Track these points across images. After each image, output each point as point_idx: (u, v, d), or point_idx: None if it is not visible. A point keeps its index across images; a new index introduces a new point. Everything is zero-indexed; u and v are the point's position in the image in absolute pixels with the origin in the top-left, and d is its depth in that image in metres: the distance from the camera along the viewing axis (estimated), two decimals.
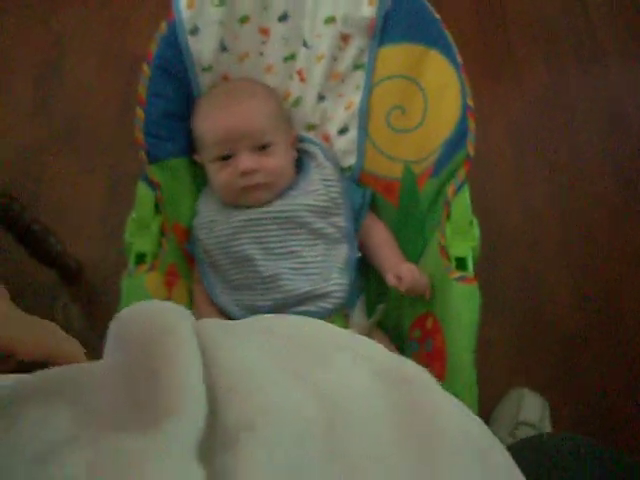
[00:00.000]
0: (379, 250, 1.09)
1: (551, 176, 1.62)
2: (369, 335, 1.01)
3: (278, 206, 1.06)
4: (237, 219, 1.06)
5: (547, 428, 1.29)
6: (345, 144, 1.14)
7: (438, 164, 1.02)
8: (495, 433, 0.33)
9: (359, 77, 1.11)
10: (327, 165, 1.10)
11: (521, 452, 0.65)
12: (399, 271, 0.96)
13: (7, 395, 0.29)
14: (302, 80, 1.14)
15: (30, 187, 1.61)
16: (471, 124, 0.99)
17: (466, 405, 0.80)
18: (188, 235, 1.11)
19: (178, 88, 1.08)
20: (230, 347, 0.31)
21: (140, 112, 1.05)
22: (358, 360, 0.35)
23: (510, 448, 0.31)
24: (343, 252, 1.06)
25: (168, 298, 1.00)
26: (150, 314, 0.29)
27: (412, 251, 1.07)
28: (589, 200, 1.59)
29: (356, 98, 1.11)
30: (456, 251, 0.95)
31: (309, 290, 1.01)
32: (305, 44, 1.11)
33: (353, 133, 1.13)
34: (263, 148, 1.05)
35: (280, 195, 1.07)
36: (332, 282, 1.02)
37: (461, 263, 0.94)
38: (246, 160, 1.04)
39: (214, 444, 0.25)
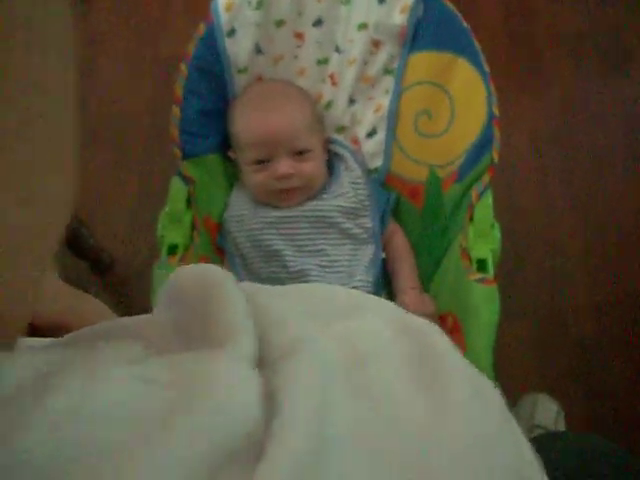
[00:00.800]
0: (393, 266, 1.13)
1: (573, 183, 1.63)
2: None
3: (310, 206, 1.09)
4: (269, 215, 1.09)
5: None
6: (373, 146, 1.16)
7: (462, 169, 1.05)
8: None
9: (389, 81, 1.14)
10: (355, 168, 1.14)
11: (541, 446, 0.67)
12: (405, 306, 0.99)
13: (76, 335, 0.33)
14: (334, 84, 1.17)
15: None
16: (496, 132, 1.02)
17: None
18: (219, 229, 1.15)
19: (214, 88, 1.12)
20: (266, 298, 0.35)
21: (176, 110, 1.09)
22: (372, 313, 0.40)
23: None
24: (369, 252, 1.09)
25: None
26: (199, 272, 0.33)
27: (434, 253, 1.10)
28: (612, 205, 1.60)
29: (385, 102, 1.14)
30: (477, 253, 0.97)
31: None
32: (337, 49, 1.15)
33: (381, 136, 1.16)
34: (300, 153, 1.08)
35: (312, 196, 1.11)
36: (357, 279, 1.05)
37: (482, 265, 0.97)
38: (285, 165, 1.07)
39: (263, 364, 0.29)
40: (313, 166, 1.10)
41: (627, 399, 1.37)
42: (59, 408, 0.21)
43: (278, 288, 0.42)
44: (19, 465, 0.19)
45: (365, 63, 1.14)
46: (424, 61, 1.10)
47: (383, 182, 1.17)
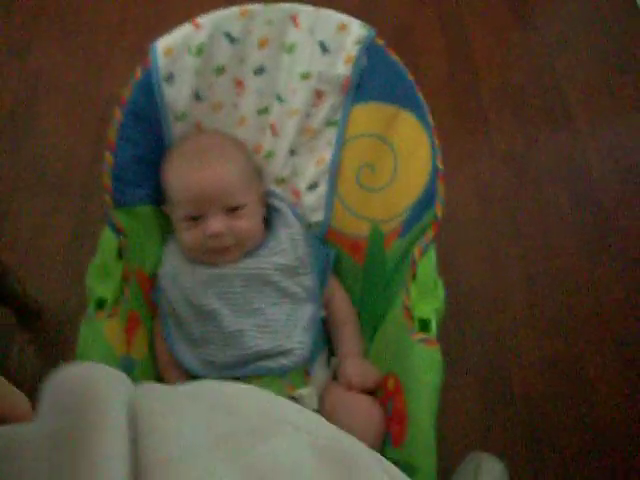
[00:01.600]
0: (334, 329, 1.09)
1: (519, 237, 1.63)
2: (325, 388, 1.01)
3: (245, 264, 1.04)
4: (203, 273, 1.04)
5: None
6: (314, 200, 1.13)
7: (406, 225, 1.03)
8: None
9: (331, 133, 1.12)
10: (294, 223, 1.10)
11: None
12: (347, 377, 0.99)
13: None
14: (274, 134, 1.14)
15: None
16: (440, 187, 1.00)
17: (425, 469, 0.80)
18: (152, 283, 1.10)
19: (149, 134, 1.08)
20: (166, 424, 0.31)
21: (109, 156, 1.04)
22: (298, 434, 0.35)
23: None
24: (308, 311, 1.05)
25: (128, 345, 0.98)
26: (82, 382, 0.30)
27: (377, 311, 1.07)
28: (557, 262, 1.60)
29: (327, 154, 1.12)
30: (420, 313, 0.94)
31: (271, 347, 0.99)
32: (279, 98, 1.12)
33: (322, 189, 1.13)
34: (233, 210, 1.04)
35: (248, 253, 1.06)
36: (295, 340, 1.01)
37: (424, 325, 0.93)
38: (215, 223, 1.02)
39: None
40: (248, 223, 1.05)
41: (575, 456, 1.35)
42: None
43: (186, 390, 0.38)
44: None
45: (307, 115, 1.11)
46: (367, 113, 1.08)
47: (323, 237, 1.14)
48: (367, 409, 0.95)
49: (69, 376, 0.31)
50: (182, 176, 1.04)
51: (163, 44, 1.06)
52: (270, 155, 1.15)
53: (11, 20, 2.03)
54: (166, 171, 1.07)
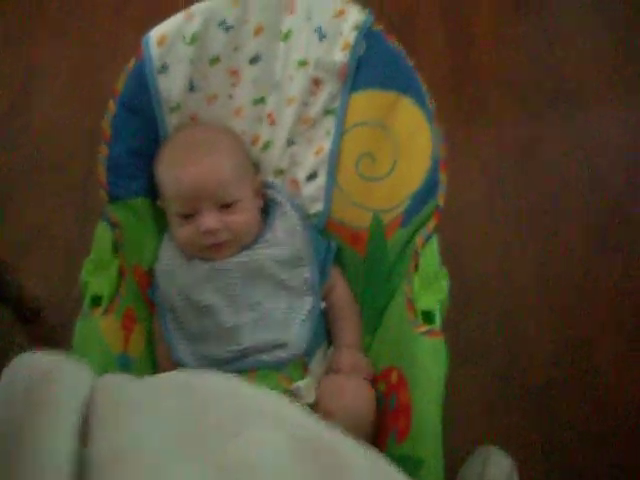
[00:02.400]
0: (333, 321, 1.08)
1: (526, 224, 1.61)
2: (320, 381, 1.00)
3: (243, 257, 1.02)
4: (200, 268, 1.02)
5: None
6: (313, 190, 1.11)
7: (407, 214, 1.01)
8: None
9: (330, 122, 1.09)
10: (292, 215, 1.07)
11: None
12: (337, 364, 0.99)
13: None
14: (272, 123, 1.12)
15: None
16: (442, 175, 0.99)
17: (431, 461, 0.78)
18: (149, 278, 1.07)
19: (144, 126, 1.06)
20: (118, 414, 0.31)
21: (104, 148, 1.03)
22: (277, 425, 0.34)
23: None
24: (307, 304, 1.02)
25: (125, 342, 0.97)
26: (37, 376, 0.30)
27: (378, 303, 1.05)
28: (563, 248, 1.58)
29: (326, 144, 1.10)
30: (423, 305, 0.92)
31: (269, 341, 0.97)
32: (276, 87, 1.10)
33: (322, 179, 1.11)
34: (228, 206, 1.02)
35: (245, 246, 1.04)
36: (292, 332, 0.99)
37: (428, 317, 0.92)
38: (209, 220, 1.00)
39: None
40: (243, 217, 1.02)
41: (586, 453, 1.32)
42: None
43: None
44: None
45: (305, 104, 1.09)
46: (366, 100, 1.06)
47: (323, 228, 1.12)
48: (355, 388, 0.95)
49: (23, 368, 0.33)
50: (174, 173, 1.02)
51: (157, 33, 1.04)
52: (268, 146, 1.13)
53: (6, 13, 2.02)
54: (158, 166, 1.05)
